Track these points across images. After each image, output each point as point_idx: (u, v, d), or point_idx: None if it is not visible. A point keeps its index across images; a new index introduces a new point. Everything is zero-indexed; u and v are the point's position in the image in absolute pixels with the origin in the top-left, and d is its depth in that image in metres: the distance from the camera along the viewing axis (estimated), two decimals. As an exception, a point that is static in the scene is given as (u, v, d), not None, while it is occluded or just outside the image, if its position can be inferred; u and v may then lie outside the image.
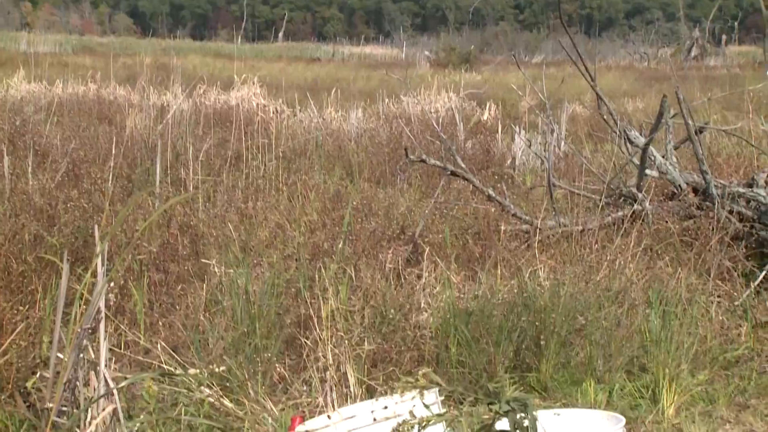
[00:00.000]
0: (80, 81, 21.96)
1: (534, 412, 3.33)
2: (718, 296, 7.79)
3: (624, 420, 4.00)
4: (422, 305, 7.10)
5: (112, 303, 6.42)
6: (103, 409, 4.78)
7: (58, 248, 7.24)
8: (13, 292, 6.64)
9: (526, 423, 3.30)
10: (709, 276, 7.87)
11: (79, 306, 4.85)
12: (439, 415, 3.38)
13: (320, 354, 6.07)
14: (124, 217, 7.80)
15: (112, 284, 6.27)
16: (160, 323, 6.78)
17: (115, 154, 10.32)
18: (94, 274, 4.98)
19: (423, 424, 3.28)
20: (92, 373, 4.91)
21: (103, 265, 5.03)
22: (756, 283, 7.84)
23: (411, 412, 3.32)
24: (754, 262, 8.20)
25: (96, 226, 5.34)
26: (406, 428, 3.28)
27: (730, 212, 8.42)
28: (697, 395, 6.29)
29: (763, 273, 7.91)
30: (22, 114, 15.16)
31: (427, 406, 3.38)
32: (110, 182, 9.41)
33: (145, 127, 14.65)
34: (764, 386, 6.50)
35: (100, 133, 13.94)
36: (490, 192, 8.90)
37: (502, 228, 8.37)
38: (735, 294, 7.80)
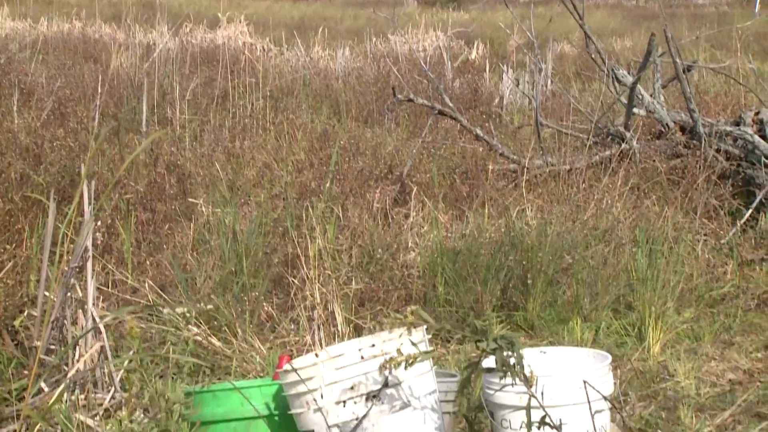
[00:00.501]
0: (65, 18, 21.74)
1: (520, 350, 3.35)
2: (705, 234, 7.82)
3: (610, 357, 4.02)
4: (410, 244, 7.11)
5: (99, 242, 6.40)
6: (91, 347, 4.79)
7: (45, 187, 7.21)
8: (0, 231, 6.63)
9: (512, 361, 3.32)
10: (696, 214, 7.89)
11: (66, 245, 4.84)
12: (426, 352, 3.40)
13: (308, 293, 6.07)
14: (110, 157, 7.78)
15: (99, 223, 6.26)
16: (148, 262, 6.78)
17: (101, 92, 10.25)
18: (81, 213, 4.97)
19: (410, 362, 3.29)
20: (80, 311, 4.92)
21: (89, 203, 5.02)
22: (742, 221, 7.87)
23: (398, 350, 3.33)
24: (741, 200, 8.23)
25: (82, 165, 5.31)
26: (392, 365, 3.29)
27: (717, 151, 8.42)
28: (683, 333, 6.33)
29: (749, 211, 7.93)
30: (6, 52, 15.02)
31: (414, 344, 3.39)
32: (96, 121, 9.35)
33: (131, 65, 14.55)
34: (749, 324, 6.54)
35: (86, 71, 13.82)
36: (478, 131, 8.88)
37: (490, 167, 8.36)
38: (721, 232, 7.83)
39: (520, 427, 3.72)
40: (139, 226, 7.28)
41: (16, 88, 10.73)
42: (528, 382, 3.32)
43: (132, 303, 6.21)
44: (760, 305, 6.93)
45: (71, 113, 9.90)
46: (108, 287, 6.39)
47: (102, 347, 4.83)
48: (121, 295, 6.32)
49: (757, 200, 7.96)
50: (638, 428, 3.88)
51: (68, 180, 7.55)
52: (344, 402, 3.39)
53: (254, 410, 3.67)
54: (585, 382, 3.65)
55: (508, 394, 3.69)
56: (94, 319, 4.86)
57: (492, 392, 3.82)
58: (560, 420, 3.60)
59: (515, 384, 3.35)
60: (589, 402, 3.63)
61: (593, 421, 3.65)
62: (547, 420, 3.30)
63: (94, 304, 4.89)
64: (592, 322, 6.50)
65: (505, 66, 14.77)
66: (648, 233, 7.20)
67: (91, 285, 4.89)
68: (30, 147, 8.03)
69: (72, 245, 4.90)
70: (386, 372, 3.34)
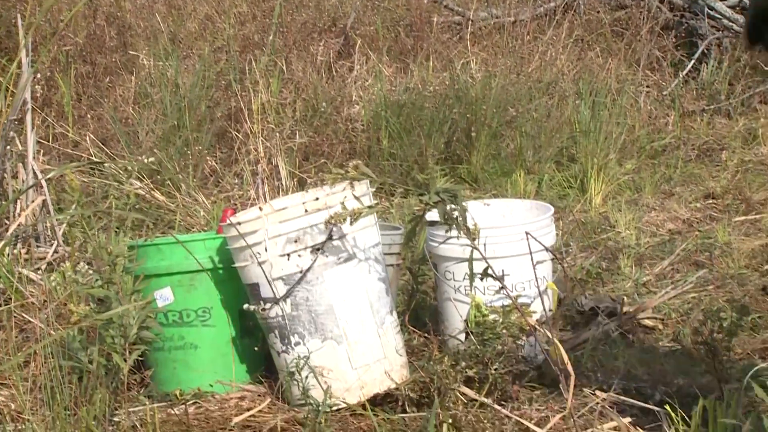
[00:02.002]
0: None
1: (464, 203, 3.36)
2: (647, 86, 7.85)
3: (552, 209, 4.05)
4: (354, 98, 7.07)
5: (38, 95, 6.31)
6: (32, 201, 4.75)
7: (-20, 39, 7.06)
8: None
9: (456, 213, 3.33)
10: (639, 66, 7.90)
11: (5, 98, 4.76)
12: (370, 206, 3.40)
13: (251, 147, 6.04)
14: (48, 7, 7.58)
15: (38, 76, 6.15)
16: (89, 116, 6.70)
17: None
18: (19, 66, 4.88)
19: (355, 216, 3.30)
20: (20, 165, 4.86)
21: (27, 56, 4.92)
22: (684, 72, 7.89)
23: (342, 204, 3.33)
24: (683, 51, 8.24)
25: (19, 16, 5.19)
26: (337, 220, 3.29)
27: (661, 1, 8.40)
28: (624, 184, 6.39)
29: (692, 62, 7.95)
30: None
31: (357, 198, 3.39)
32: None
33: None
34: (689, 174, 6.62)
35: None
36: (422, -18, 8.76)
37: (435, 19, 8.27)
38: (664, 84, 7.86)
39: (464, 278, 3.76)
40: (79, 79, 7.16)
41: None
42: (471, 234, 3.35)
43: (73, 157, 6.16)
44: (700, 156, 7.01)
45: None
46: (49, 141, 6.32)
47: (44, 201, 4.80)
48: (63, 149, 6.26)
49: (699, 51, 7.98)
50: (579, 278, 3.94)
51: (4, 31, 7.38)
52: (288, 255, 3.40)
53: (198, 263, 3.68)
54: (527, 233, 3.69)
55: (451, 246, 3.72)
56: (35, 173, 4.81)
57: (435, 245, 3.85)
58: (503, 271, 3.64)
59: (458, 236, 3.38)
60: (531, 253, 3.67)
61: (535, 272, 3.70)
62: (490, 271, 3.34)
63: (34, 158, 4.84)
64: (535, 174, 6.55)
65: None
66: (591, 85, 7.21)
67: (31, 138, 4.83)
68: (-37, -3, 7.82)
69: (11, 98, 4.82)
70: (331, 226, 3.35)
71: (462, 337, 3.73)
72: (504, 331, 3.50)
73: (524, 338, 3.50)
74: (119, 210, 5.25)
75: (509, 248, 3.74)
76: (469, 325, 3.71)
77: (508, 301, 3.55)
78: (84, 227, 4.89)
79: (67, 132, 6.44)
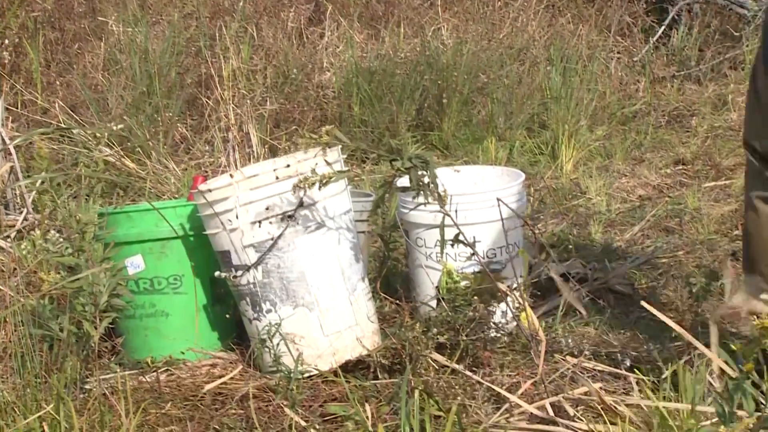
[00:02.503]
0: None
1: (435, 169, 3.36)
2: (618, 52, 7.86)
3: (524, 175, 4.06)
4: (325, 65, 7.05)
5: (6, 61, 6.26)
6: (0, 168, 4.72)
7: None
8: None
9: (427, 179, 3.33)
10: (610, 32, 7.91)
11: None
12: (340, 171, 3.39)
13: (222, 114, 6.02)
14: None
15: (5, 42, 6.09)
16: (58, 82, 6.65)
17: None
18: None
19: (324, 181, 3.29)
20: (-11, 132, 4.83)
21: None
22: (655, 38, 7.91)
23: (313, 170, 3.32)
24: (654, 16, 8.25)
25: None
26: (307, 185, 3.29)
27: (632, -32, 8.41)
28: (595, 150, 6.41)
29: (662, 28, 7.97)
30: None
31: (329, 164, 3.38)
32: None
33: None
34: (659, 140, 6.64)
35: None
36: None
37: (406, -15, 8.26)
38: (634, 50, 7.88)
39: (435, 245, 3.76)
40: (47, 45, 7.11)
41: None
42: (441, 200, 3.35)
43: (42, 123, 6.11)
44: (670, 122, 7.04)
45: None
46: (17, 108, 6.27)
47: (12, 168, 4.77)
48: (31, 116, 6.21)
49: (670, 17, 7.99)
50: (550, 244, 3.95)
51: (-30, -2, 7.32)
52: (259, 222, 3.39)
53: (169, 231, 3.67)
54: (498, 200, 3.69)
55: (422, 213, 3.72)
56: (3, 140, 4.78)
57: (406, 211, 3.85)
58: (474, 238, 3.65)
59: (429, 203, 3.38)
60: (502, 219, 3.68)
61: (506, 238, 3.71)
62: (461, 238, 3.35)
63: (2, 125, 4.81)
64: (506, 140, 6.55)
65: None
66: (562, 52, 7.21)
67: (-1, 105, 4.79)
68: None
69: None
70: (301, 192, 3.34)
71: (434, 303, 3.73)
72: (475, 297, 3.50)
73: (496, 305, 3.51)
74: (89, 174, 5.22)
75: (480, 215, 3.74)
76: (441, 291, 3.72)
77: (479, 268, 3.55)
78: (54, 195, 4.87)
79: (36, 99, 6.40)
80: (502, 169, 4.27)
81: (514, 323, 3.52)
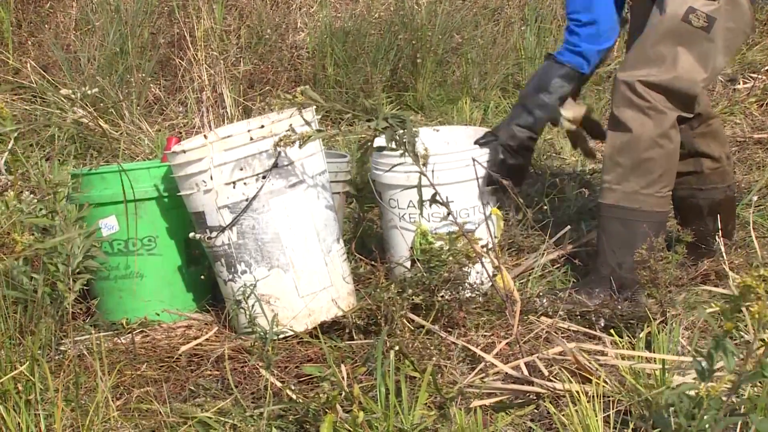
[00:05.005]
0: None
1: (412, 128, 3.36)
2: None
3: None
4: (299, 25, 7.02)
5: (-24, 21, 6.19)
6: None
7: None
8: None
9: (405, 139, 3.32)
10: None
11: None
12: (318, 130, 3.38)
13: (195, 75, 5.99)
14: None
15: (-25, 2, 6.03)
16: (29, 42, 6.59)
17: None
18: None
19: (304, 140, 3.28)
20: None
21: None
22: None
23: (292, 127, 3.31)
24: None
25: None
26: (286, 143, 3.27)
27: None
28: (570, 112, 6.41)
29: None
30: None
31: (307, 122, 3.37)
32: None
33: None
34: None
35: None
36: None
37: (380, -56, 8.21)
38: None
39: (408, 206, 3.76)
40: (18, 4, 7.03)
41: None
42: (422, 159, 3.35)
43: (14, 84, 6.07)
44: (644, 82, 7.04)
45: None
46: (-12, 68, 6.22)
47: (-17, 130, 4.72)
48: (3, 77, 6.16)
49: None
50: (525, 204, 3.96)
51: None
52: (234, 183, 3.38)
53: (143, 192, 3.66)
54: (474, 159, 3.70)
55: (396, 174, 3.71)
56: (-26, 102, 4.73)
57: (380, 173, 3.84)
58: (447, 198, 3.65)
59: (403, 164, 3.38)
60: (477, 179, 3.69)
61: (481, 198, 3.72)
62: (438, 198, 3.35)
63: (-27, 86, 4.76)
64: (481, 101, 6.55)
65: None
66: (537, 11, 7.20)
67: (-31, 66, 4.74)
68: None
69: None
70: (279, 149, 3.33)
71: (408, 264, 3.74)
72: (450, 258, 3.51)
73: (470, 265, 3.52)
74: (62, 137, 5.18)
75: (453, 175, 3.74)
76: (415, 252, 3.72)
77: (453, 228, 3.56)
78: (27, 156, 4.84)
79: (8, 59, 6.34)
80: (477, 129, 4.27)
81: (489, 284, 3.53)
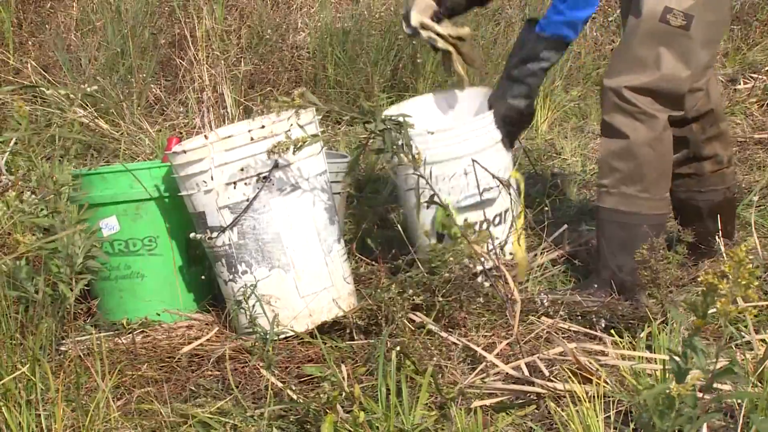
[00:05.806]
0: None
1: (409, 131, 3.36)
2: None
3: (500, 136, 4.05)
4: (299, 25, 7.02)
5: (-23, 21, 6.20)
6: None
7: None
8: None
9: (401, 141, 3.33)
10: (585, -7, 7.88)
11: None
12: (315, 135, 3.39)
13: (196, 75, 5.99)
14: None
15: (-24, 2, 6.03)
16: (30, 42, 6.59)
17: None
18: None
19: (299, 145, 3.28)
20: (-40, 94, 4.79)
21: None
22: None
23: (286, 134, 3.32)
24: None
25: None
26: (280, 149, 3.28)
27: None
28: (570, 111, 6.42)
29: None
30: None
31: (302, 127, 3.38)
32: None
33: None
34: (634, 103, 6.64)
35: None
36: None
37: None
38: (609, 9, 7.86)
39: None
40: (19, 5, 7.03)
41: None
42: (415, 162, 3.36)
43: (15, 84, 6.06)
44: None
45: None
46: (-11, 69, 6.23)
47: (-16, 130, 4.73)
48: (4, 77, 6.16)
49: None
50: (526, 206, 3.96)
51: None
52: (235, 183, 3.39)
53: (144, 192, 3.66)
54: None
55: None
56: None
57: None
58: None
59: (402, 165, 3.38)
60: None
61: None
62: (436, 199, 3.35)
63: (-26, 86, 4.76)
64: (481, 101, 6.54)
65: None
66: (537, 11, 7.20)
67: (-30, 66, 4.75)
68: None
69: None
70: (275, 156, 3.34)
71: (434, 240, 3.72)
72: (451, 258, 3.51)
73: (472, 266, 3.51)
74: (64, 134, 5.18)
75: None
76: (436, 227, 3.71)
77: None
78: (28, 156, 4.84)
79: (8, 59, 6.34)
80: (469, 90, 4.25)
81: (490, 284, 3.53)
